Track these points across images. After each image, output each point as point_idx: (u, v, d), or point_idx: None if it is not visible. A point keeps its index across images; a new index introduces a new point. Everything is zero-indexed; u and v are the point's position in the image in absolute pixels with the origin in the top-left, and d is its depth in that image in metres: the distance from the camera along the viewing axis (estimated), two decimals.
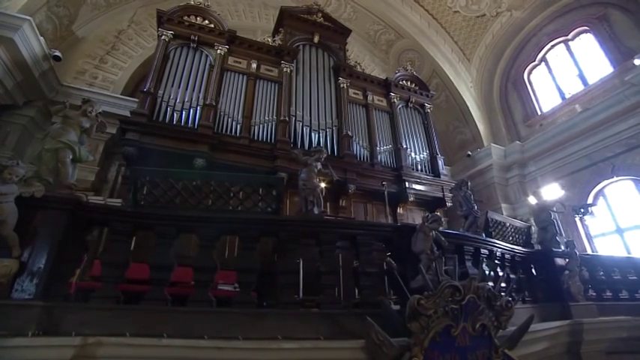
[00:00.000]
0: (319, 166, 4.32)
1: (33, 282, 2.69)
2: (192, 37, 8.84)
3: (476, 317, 3.11)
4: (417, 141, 10.84)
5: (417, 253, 3.53)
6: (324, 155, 4.49)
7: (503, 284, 3.96)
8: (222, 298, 3.16)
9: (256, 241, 3.40)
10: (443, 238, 3.74)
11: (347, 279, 4.40)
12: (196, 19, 9.16)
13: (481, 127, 13.63)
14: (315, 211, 3.88)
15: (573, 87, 11.60)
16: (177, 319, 2.86)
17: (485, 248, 4.62)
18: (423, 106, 11.60)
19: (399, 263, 3.56)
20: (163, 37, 8.61)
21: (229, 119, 8.36)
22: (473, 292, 3.08)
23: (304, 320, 3.06)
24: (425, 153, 10.74)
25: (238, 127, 8.38)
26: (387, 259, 3.38)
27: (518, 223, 6.04)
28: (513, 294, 4.33)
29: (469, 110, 13.74)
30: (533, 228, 6.21)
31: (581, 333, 4.69)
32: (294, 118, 8.99)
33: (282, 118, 8.79)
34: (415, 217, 9.77)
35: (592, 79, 10.98)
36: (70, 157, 3.39)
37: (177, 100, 7.99)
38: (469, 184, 6.05)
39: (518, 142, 12.50)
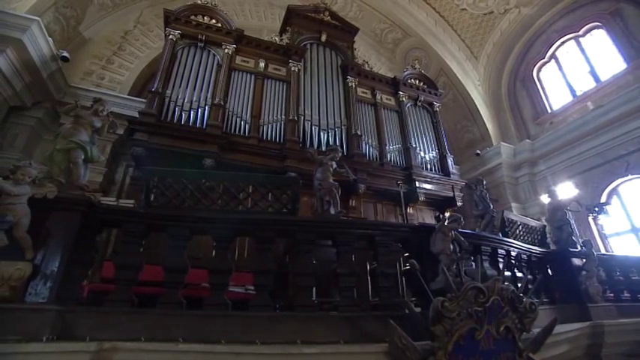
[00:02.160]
0: (334, 165, 4.23)
1: (46, 285, 2.62)
2: (199, 36, 8.78)
3: (500, 320, 3.00)
4: (426, 140, 10.72)
5: (436, 254, 3.45)
6: (340, 154, 4.40)
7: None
8: (233, 301, 3.08)
9: (272, 242, 3.32)
10: (462, 238, 3.65)
11: (362, 280, 4.31)
12: (203, 19, 9.12)
13: (489, 125, 13.46)
14: (332, 211, 3.78)
15: (585, 84, 11.40)
16: (192, 323, 2.77)
17: (502, 248, 4.52)
18: (431, 104, 11.48)
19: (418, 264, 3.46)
20: (171, 36, 8.57)
21: (238, 119, 8.29)
22: (497, 294, 2.97)
23: (323, 323, 2.97)
24: (434, 152, 10.62)
25: (247, 126, 8.32)
26: (410, 260, 3.28)
27: (533, 222, 5.93)
28: (532, 296, 4.22)
29: (477, 109, 13.57)
30: (547, 227, 6.09)
31: (602, 335, 4.55)
32: (302, 118, 8.91)
33: (290, 117, 8.71)
34: (425, 216, 9.67)
35: (604, 75, 10.78)
36: (82, 157, 3.31)
37: (186, 100, 7.93)
38: (484, 182, 5.93)
39: (528, 140, 12.32)
